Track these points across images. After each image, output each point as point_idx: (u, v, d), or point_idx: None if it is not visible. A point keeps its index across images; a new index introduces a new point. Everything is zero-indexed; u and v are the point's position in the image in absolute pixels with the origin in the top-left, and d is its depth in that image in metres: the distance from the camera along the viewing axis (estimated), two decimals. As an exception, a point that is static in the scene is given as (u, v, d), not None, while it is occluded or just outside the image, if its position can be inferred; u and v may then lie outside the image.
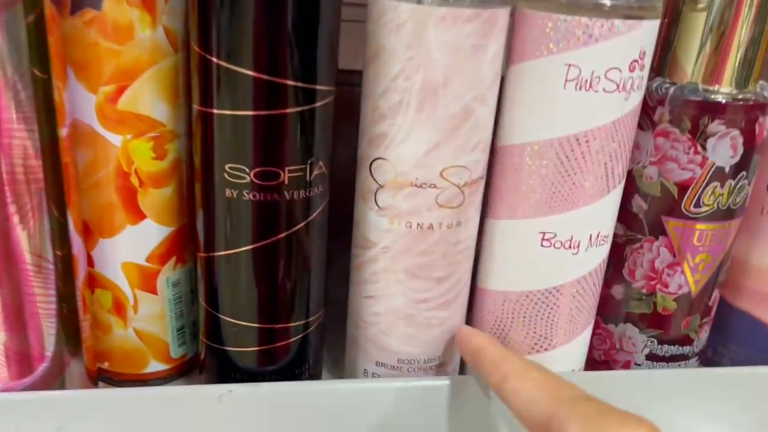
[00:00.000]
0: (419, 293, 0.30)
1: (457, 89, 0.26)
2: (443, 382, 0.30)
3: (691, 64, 0.30)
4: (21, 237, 0.26)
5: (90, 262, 0.31)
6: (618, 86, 0.27)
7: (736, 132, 0.30)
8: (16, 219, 0.25)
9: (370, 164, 0.29)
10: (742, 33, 0.30)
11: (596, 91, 0.27)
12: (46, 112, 0.25)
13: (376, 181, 0.29)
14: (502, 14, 0.26)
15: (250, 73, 0.25)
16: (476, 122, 0.27)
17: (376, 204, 0.29)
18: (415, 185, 0.28)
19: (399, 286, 0.30)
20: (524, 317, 0.31)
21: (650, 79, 0.31)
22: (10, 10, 0.23)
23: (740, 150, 0.30)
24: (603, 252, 0.31)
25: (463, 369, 0.34)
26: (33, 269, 0.26)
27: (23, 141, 0.25)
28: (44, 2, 0.24)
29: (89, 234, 0.30)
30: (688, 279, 0.32)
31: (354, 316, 0.32)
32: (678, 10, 0.31)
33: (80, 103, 0.28)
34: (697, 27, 0.30)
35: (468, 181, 0.28)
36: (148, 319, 0.32)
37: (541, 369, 0.26)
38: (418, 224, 0.29)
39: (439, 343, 0.32)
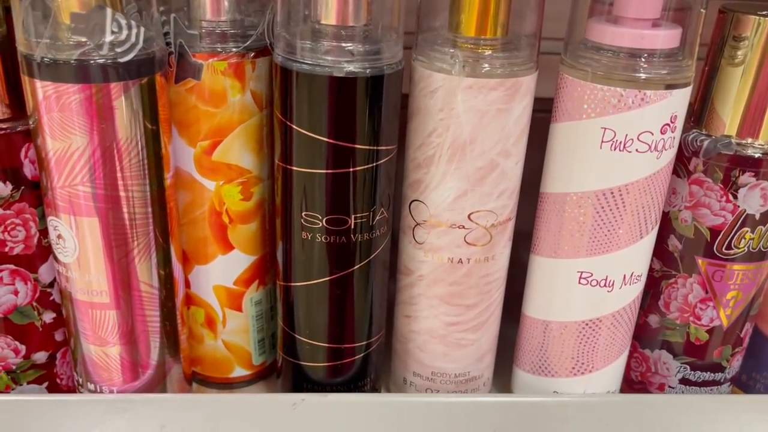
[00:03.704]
0: (450, 317, 0.34)
1: (483, 146, 0.30)
2: (498, 399, 0.34)
3: (728, 117, 0.33)
4: (137, 269, 0.31)
5: (187, 284, 0.36)
6: (650, 147, 0.30)
7: (766, 183, 0.32)
8: (135, 255, 0.31)
9: (410, 204, 0.33)
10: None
11: (629, 152, 0.30)
12: (155, 161, 0.31)
13: (414, 219, 0.33)
14: (527, 81, 0.30)
15: (323, 138, 0.29)
16: (502, 173, 0.31)
17: (414, 238, 0.33)
18: (446, 225, 0.32)
19: (432, 310, 0.34)
20: (563, 345, 0.35)
21: (688, 130, 0.34)
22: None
23: (770, 199, 0.32)
24: (637, 289, 0.34)
25: (494, 383, 0.38)
26: (144, 295, 0.32)
27: (139, 192, 0.30)
28: (155, 72, 0.29)
29: (187, 261, 0.36)
30: (719, 314, 0.35)
31: (396, 331, 0.37)
32: (716, 63, 0.33)
33: (181, 154, 0.33)
34: (733, 81, 0.32)
35: (495, 223, 0.32)
36: (234, 332, 0.37)
37: None
38: (449, 258, 0.33)
39: (470, 360, 0.36)
